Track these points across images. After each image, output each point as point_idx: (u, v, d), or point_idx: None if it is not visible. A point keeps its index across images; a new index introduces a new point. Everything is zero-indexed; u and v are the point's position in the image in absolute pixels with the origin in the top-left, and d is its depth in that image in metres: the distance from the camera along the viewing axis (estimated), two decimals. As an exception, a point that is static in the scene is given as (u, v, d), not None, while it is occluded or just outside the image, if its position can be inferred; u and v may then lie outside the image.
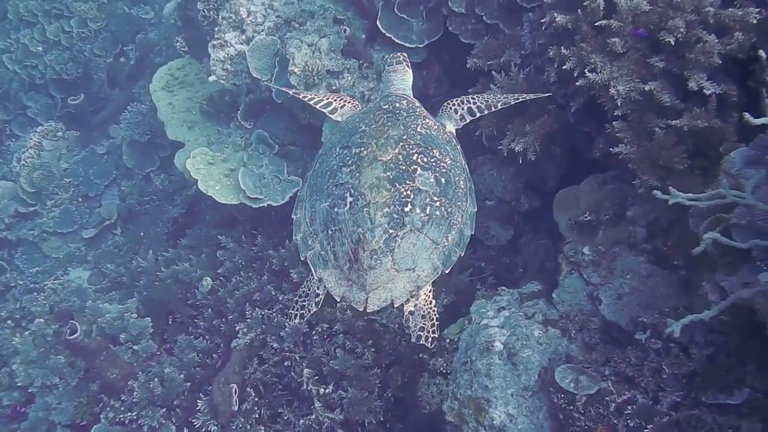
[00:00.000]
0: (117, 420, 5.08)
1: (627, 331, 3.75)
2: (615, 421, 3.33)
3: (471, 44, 4.89)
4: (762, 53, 3.13)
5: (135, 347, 5.55)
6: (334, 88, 5.30)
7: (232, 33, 5.85)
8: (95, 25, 8.93)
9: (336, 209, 3.18)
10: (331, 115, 4.00)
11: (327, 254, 3.20)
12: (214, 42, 5.87)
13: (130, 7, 9.40)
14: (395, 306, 3.11)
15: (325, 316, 4.84)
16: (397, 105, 3.59)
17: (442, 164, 3.28)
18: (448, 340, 4.40)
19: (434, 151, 3.31)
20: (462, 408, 3.93)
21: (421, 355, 4.49)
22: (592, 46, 3.64)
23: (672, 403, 3.27)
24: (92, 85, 8.99)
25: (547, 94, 4.00)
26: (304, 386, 4.59)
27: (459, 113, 3.79)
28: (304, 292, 3.37)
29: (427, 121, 3.53)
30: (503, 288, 4.54)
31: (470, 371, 3.98)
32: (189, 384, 5.14)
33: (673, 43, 3.35)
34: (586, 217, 4.17)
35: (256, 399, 4.76)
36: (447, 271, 3.19)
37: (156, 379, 5.13)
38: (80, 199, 8.12)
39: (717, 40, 3.27)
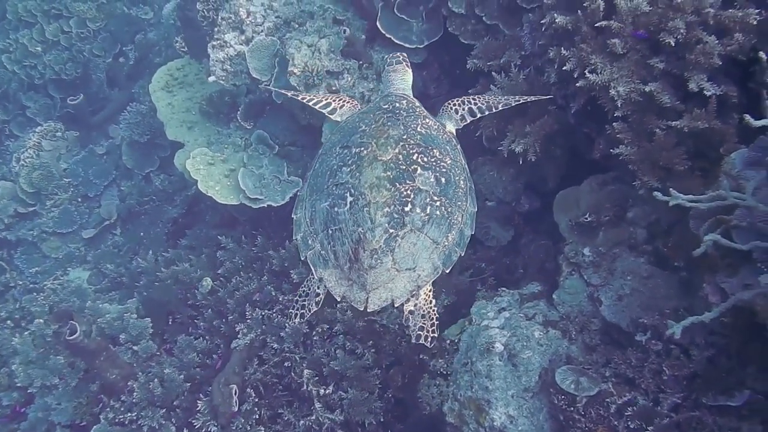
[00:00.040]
0: (117, 420, 5.09)
1: (627, 333, 3.75)
2: (615, 423, 3.33)
3: (471, 45, 4.88)
4: (762, 55, 3.12)
5: (135, 348, 5.55)
6: (333, 88, 5.29)
7: (231, 33, 5.84)
8: (94, 26, 8.93)
9: (336, 209, 3.17)
10: (330, 116, 3.99)
11: (327, 254, 3.20)
12: (214, 42, 5.87)
13: (129, 8, 9.39)
14: (395, 306, 3.11)
15: (326, 316, 4.84)
16: (397, 105, 3.59)
17: (442, 164, 3.28)
18: (448, 341, 4.40)
19: (434, 150, 3.31)
20: (462, 409, 3.93)
21: (421, 356, 4.48)
22: (592, 47, 3.64)
23: (672, 405, 3.27)
24: (91, 85, 8.98)
25: (548, 97, 4.00)
26: (305, 387, 4.59)
27: (460, 113, 3.78)
28: (304, 291, 3.36)
29: (427, 120, 3.53)
30: (504, 289, 4.54)
31: (471, 372, 3.98)
32: (189, 384, 5.14)
33: (673, 44, 3.34)
34: (586, 218, 4.17)
35: (256, 400, 4.76)
36: (447, 271, 3.18)
37: (156, 379, 5.13)
38: (80, 200, 8.12)
39: (717, 42, 3.27)
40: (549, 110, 4.30)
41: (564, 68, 3.76)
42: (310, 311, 3.31)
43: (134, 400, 5.09)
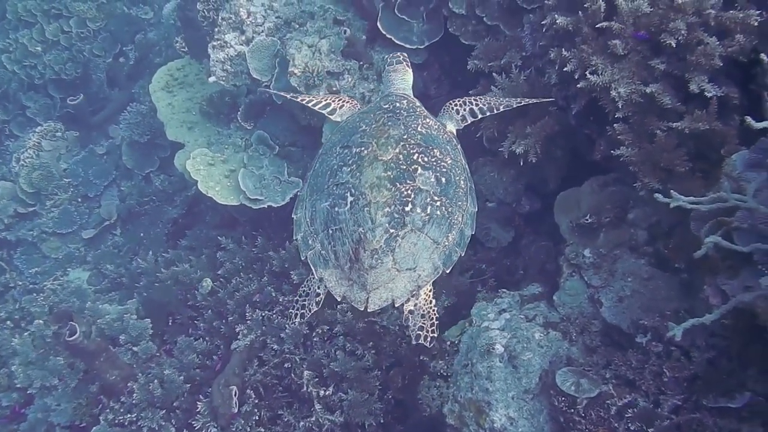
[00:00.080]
0: (116, 421, 5.08)
1: (628, 334, 3.75)
2: (616, 425, 3.33)
3: (471, 45, 4.88)
4: (763, 56, 3.11)
5: (135, 348, 5.54)
6: (334, 89, 5.29)
7: (231, 34, 5.84)
8: (94, 25, 8.92)
9: (336, 209, 3.17)
10: (330, 116, 4.00)
11: (327, 254, 3.20)
12: (214, 43, 5.86)
13: (129, 8, 9.38)
14: (396, 306, 3.11)
15: (326, 317, 4.83)
16: (398, 104, 3.59)
17: (442, 164, 3.27)
18: (448, 343, 4.39)
19: (435, 150, 3.30)
20: (462, 411, 3.92)
21: (421, 358, 4.48)
22: (593, 48, 3.63)
23: (673, 407, 3.26)
24: (91, 85, 8.97)
25: (549, 100, 3.99)
26: (304, 388, 4.58)
27: (461, 114, 3.79)
28: (304, 291, 3.36)
29: (428, 120, 3.53)
30: (504, 290, 4.53)
31: (471, 374, 3.97)
32: (189, 386, 5.13)
33: (674, 45, 3.34)
34: (587, 220, 4.16)
35: (256, 401, 4.75)
36: (448, 271, 3.18)
37: (156, 380, 5.12)
38: (80, 200, 8.10)
39: (718, 43, 3.26)
40: (550, 111, 4.29)
41: (565, 69, 3.76)
42: (310, 311, 3.31)
43: (134, 401, 5.08)
